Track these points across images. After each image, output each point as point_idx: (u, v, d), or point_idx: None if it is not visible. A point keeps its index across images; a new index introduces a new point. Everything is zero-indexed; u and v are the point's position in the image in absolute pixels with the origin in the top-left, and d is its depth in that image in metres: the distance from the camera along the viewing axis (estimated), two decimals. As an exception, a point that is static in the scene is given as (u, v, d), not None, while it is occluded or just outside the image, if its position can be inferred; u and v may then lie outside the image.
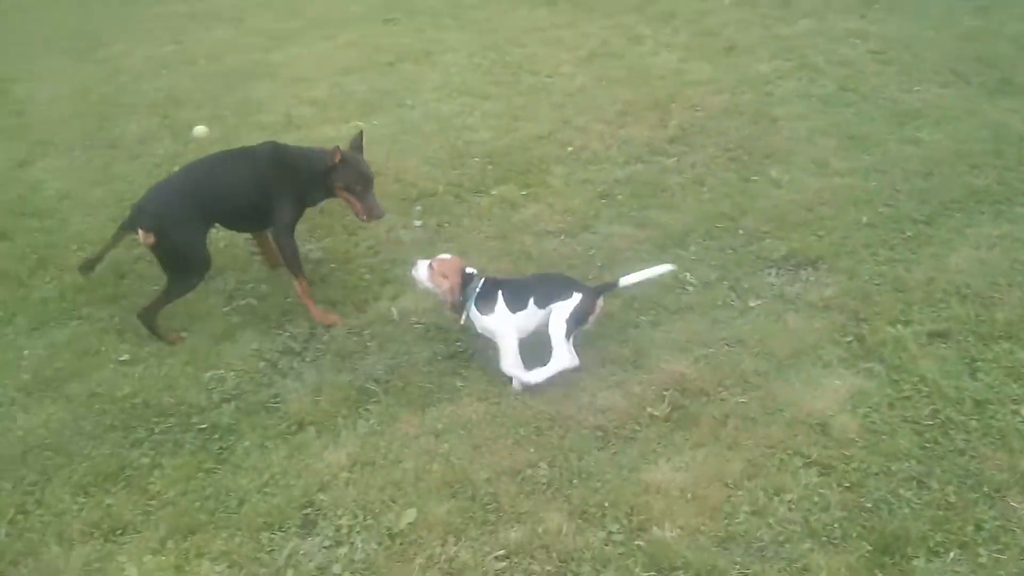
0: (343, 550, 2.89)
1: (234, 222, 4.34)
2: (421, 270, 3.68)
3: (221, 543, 2.95)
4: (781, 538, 2.82)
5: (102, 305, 4.33)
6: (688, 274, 4.20)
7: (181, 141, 6.09)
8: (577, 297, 3.50)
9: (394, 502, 3.05)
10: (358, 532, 2.95)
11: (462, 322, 3.67)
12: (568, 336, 3.49)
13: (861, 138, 5.46)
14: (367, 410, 3.52)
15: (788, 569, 2.70)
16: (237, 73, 6.11)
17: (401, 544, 2.89)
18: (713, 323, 3.88)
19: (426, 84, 6.90)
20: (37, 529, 3.09)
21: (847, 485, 2.99)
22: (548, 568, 2.77)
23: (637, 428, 3.32)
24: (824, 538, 2.80)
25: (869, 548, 2.73)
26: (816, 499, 2.94)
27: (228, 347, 3.95)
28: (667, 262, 3.83)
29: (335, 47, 8.06)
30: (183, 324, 4.12)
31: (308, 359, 3.86)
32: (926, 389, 3.36)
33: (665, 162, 5.39)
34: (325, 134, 5.96)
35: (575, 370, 3.52)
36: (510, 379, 3.54)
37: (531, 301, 3.53)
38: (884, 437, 3.16)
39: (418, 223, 4.87)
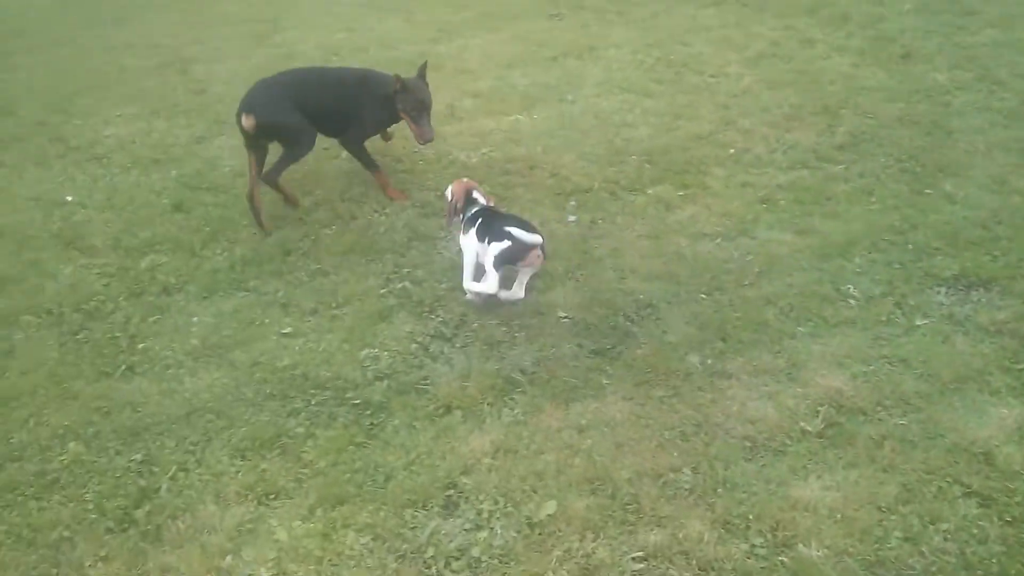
0: (483, 534, 2.94)
1: (316, 122, 5.03)
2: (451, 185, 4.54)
3: (367, 516, 3.06)
4: (934, 568, 2.68)
5: (268, 279, 4.55)
6: (851, 287, 4.02)
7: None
8: (507, 244, 3.94)
9: (535, 492, 3.08)
10: (498, 518, 2.99)
11: (450, 228, 4.52)
12: (497, 268, 3.96)
13: (1045, 156, 5.05)
14: (512, 399, 3.56)
15: (942, 603, 2.56)
16: (404, 63, 6.27)
17: (540, 535, 2.91)
18: (875, 339, 3.70)
19: (588, 80, 6.87)
20: (196, 487, 3.27)
21: (1008, 519, 2.81)
22: (687, 575, 2.73)
23: (788, 442, 3.21)
24: (980, 572, 2.64)
25: (1031, 589, 2.55)
26: (975, 531, 2.78)
27: (383, 327, 4.08)
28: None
29: (500, 40, 8.15)
30: (342, 302, 4.29)
31: (458, 345, 3.93)
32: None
33: (832, 169, 5.17)
34: (485, 127, 6.07)
35: (516, 301, 4.09)
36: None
37: (487, 236, 4.06)
38: (1055, 474, 2.94)
39: (572, 218, 4.87)
